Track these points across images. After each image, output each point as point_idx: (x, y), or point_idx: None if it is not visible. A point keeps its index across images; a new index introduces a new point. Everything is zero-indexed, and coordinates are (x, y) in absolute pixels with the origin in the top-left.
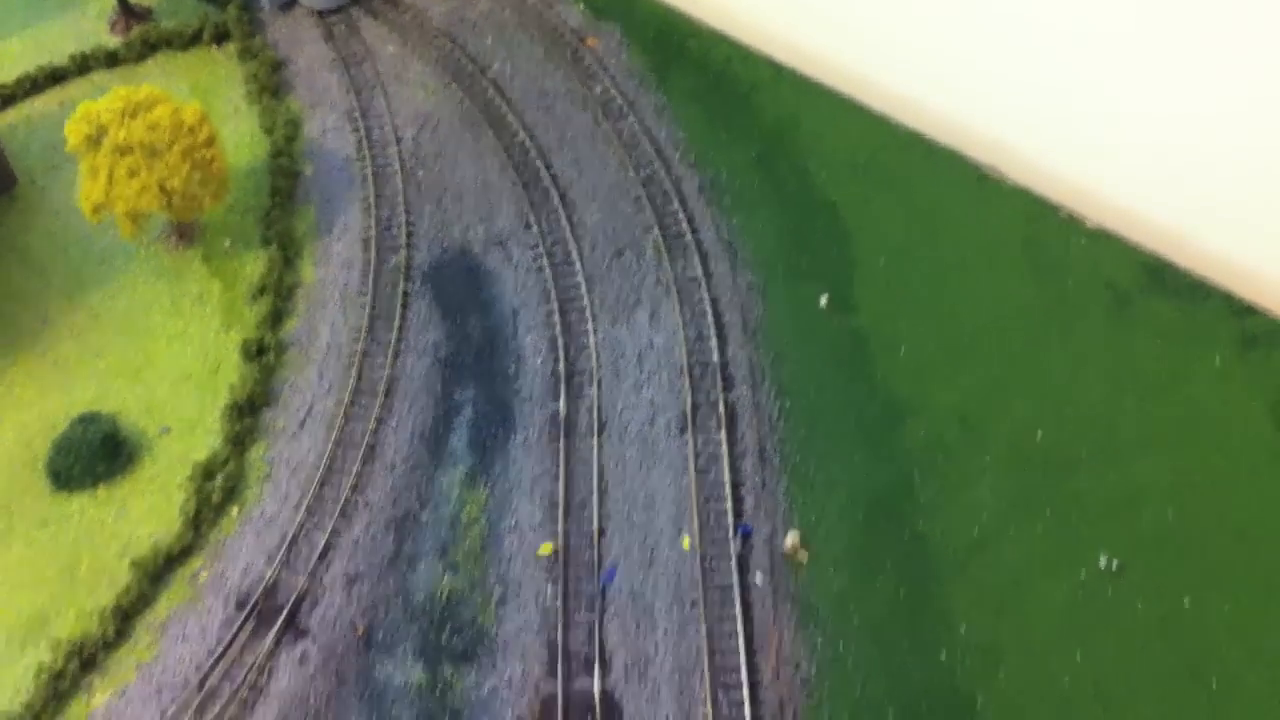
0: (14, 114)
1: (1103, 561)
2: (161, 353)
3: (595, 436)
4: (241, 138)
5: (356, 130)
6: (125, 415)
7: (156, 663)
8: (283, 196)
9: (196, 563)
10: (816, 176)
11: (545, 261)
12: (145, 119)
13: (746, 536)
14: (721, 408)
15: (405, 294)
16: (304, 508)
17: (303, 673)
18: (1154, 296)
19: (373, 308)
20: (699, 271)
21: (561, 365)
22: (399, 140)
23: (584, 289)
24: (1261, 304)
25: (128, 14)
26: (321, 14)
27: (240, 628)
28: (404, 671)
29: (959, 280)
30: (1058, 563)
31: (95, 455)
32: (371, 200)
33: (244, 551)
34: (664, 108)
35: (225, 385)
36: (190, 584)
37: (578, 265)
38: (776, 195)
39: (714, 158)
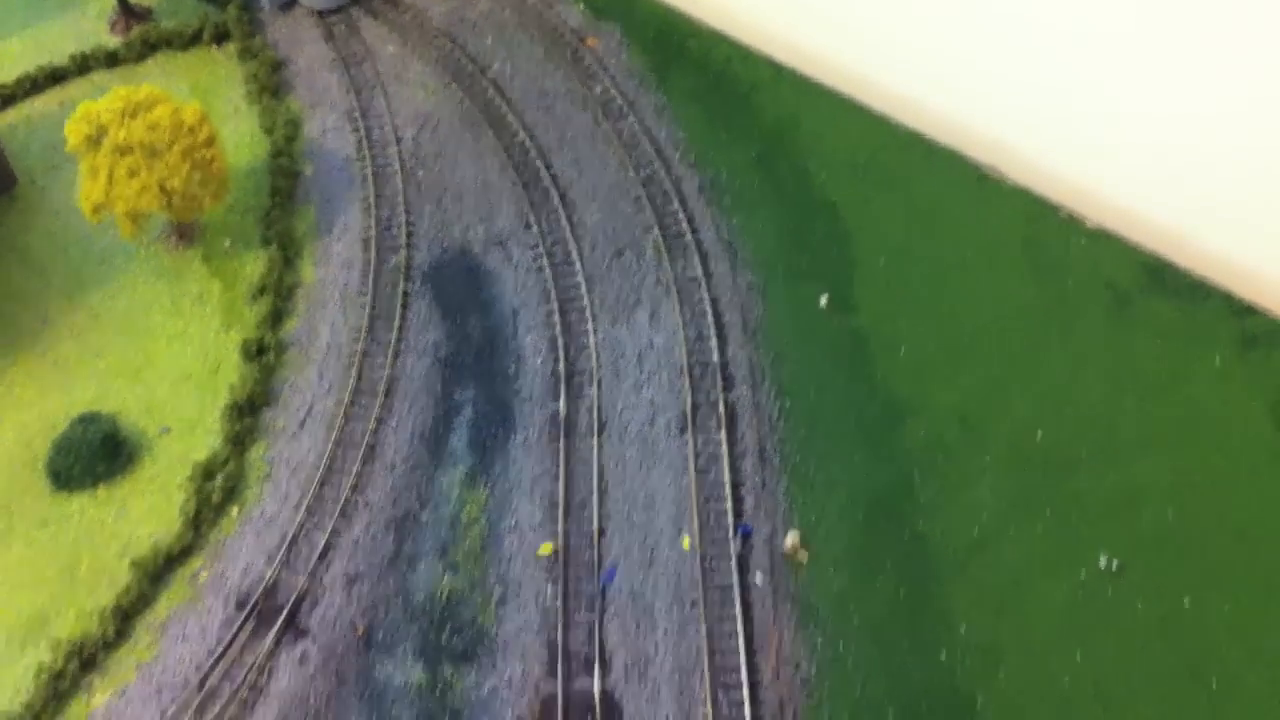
0: (14, 114)
1: (1103, 561)
2: (161, 353)
3: (595, 436)
4: (241, 138)
5: (356, 130)
6: (125, 415)
7: (156, 663)
8: (283, 196)
9: (196, 563)
10: (816, 176)
11: (545, 261)
12: (145, 119)
13: (746, 536)
14: (721, 408)
15: (405, 294)
16: (304, 508)
17: (303, 673)
18: (1154, 296)
19: (373, 308)
20: (699, 271)
21: (561, 365)
22: (399, 140)
23: (584, 289)
24: (1261, 304)
25: (128, 14)
26: (321, 14)
27: (240, 628)
28: (404, 671)
29: (959, 280)
30: (1058, 562)
31: (95, 455)
32: (371, 200)
33: (244, 551)
34: (664, 108)
35: (225, 385)
36: (190, 584)
37: (578, 265)
38: (776, 195)
39: (714, 158)
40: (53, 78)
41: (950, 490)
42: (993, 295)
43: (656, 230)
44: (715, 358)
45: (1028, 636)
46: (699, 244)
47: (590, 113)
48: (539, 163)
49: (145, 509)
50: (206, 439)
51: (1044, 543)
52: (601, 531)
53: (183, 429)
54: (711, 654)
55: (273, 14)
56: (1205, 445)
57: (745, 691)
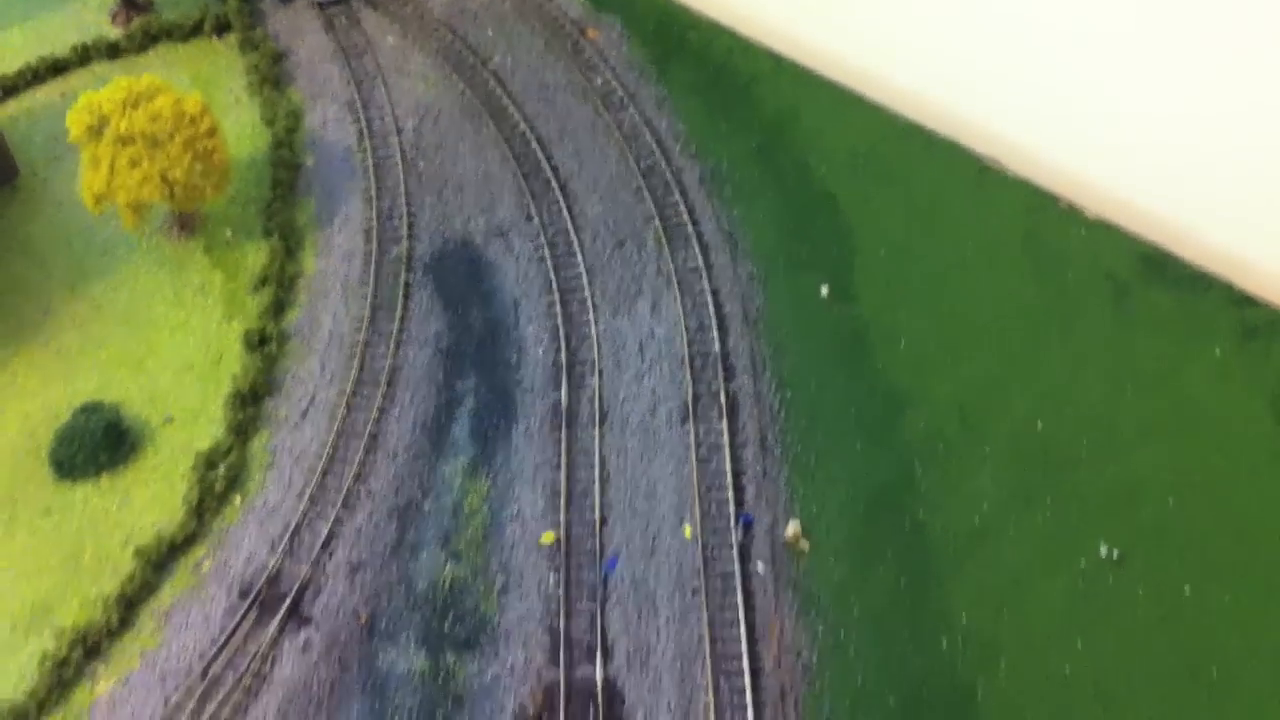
0: (15, 105)
1: (1103, 552)
2: (164, 343)
3: (597, 426)
4: (243, 129)
5: (357, 121)
6: (128, 405)
7: (160, 650)
8: (284, 188)
9: (200, 551)
10: (817, 168)
11: (546, 252)
12: (147, 109)
13: (748, 526)
14: (723, 398)
15: (407, 284)
16: (307, 496)
17: (306, 660)
18: (1154, 287)
19: (374, 298)
20: (700, 262)
21: (563, 355)
22: (400, 131)
23: (585, 280)
24: (1261, 295)
25: (129, 5)
26: (322, 6)
27: (244, 616)
28: (407, 659)
29: (959, 271)
30: (1058, 553)
31: (98, 444)
32: (373, 191)
33: (247, 540)
34: (664, 99)
35: (228, 375)
36: (194, 572)
37: (579, 256)
38: (777, 186)
39: (714, 149)
40: (54, 69)
41: (951, 481)
42: (993, 286)
43: (657, 221)
44: (716, 348)
45: (1028, 626)
46: (700, 235)
47: (591, 104)
48: (540, 154)
49: (148, 498)
50: (209, 428)
51: (1044, 533)
52: (603, 520)
53: (185, 418)
54: (713, 642)
55: (273, 5)
56: (1205, 436)
57: (747, 679)
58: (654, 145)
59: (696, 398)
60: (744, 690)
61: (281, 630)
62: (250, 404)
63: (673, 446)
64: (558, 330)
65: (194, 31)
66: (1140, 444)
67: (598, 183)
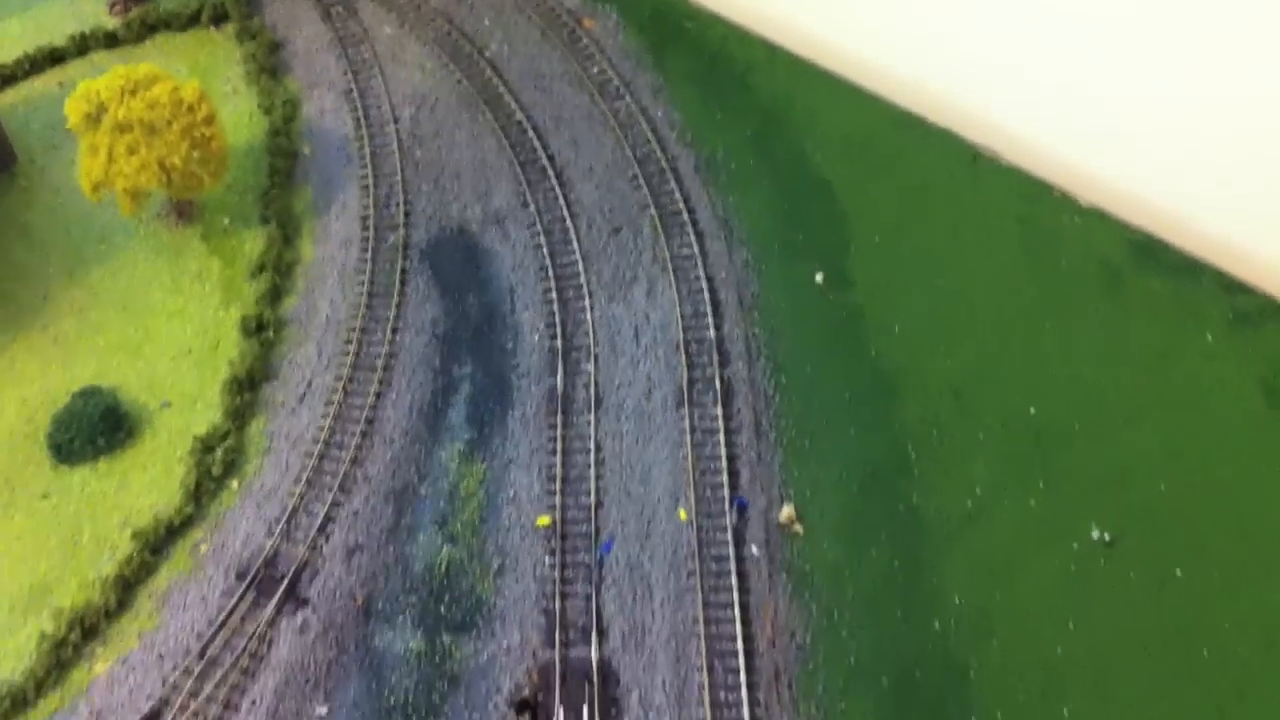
0: (13, 94)
1: (1095, 534)
2: (161, 329)
3: (592, 411)
4: (240, 118)
5: (354, 110)
6: (126, 390)
7: (158, 631)
8: (281, 176)
9: (197, 534)
10: (812, 156)
11: (542, 239)
12: (145, 97)
13: (742, 509)
14: (717, 383)
15: (403, 271)
16: (304, 480)
17: (303, 641)
18: (1147, 273)
19: (371, 285)
20: (695, 249)
21: (559, 341)
22: (396, 120)
23: (581, 266)
24: (1252, 282)
25: None
26: None
27: (241, 597)
28: (403, 640)
29: (953, 257)
30: (1050, 534)
31: (96, 429)
32: (370, 179)
33: (244, 523)
34: (660, 88)
35: (225, 361)
36: (191, 555)
37: (574, 243)
38: (772, 174)
39: (710, 137)
40: (52, 58)
41: (944, 464)
42: (987, 272)
43: (653, 208)
44: (711, 334)
45: (1020, 606)
46: (695, 222)
47: (587, 93)
48: (536, 142)
49: (146, 482)
50: (207, 413)
51: (1036, 516)
52: (598, 504)
53: (183, 404)
54: (708, 623)
55: None
56: (1197, 420)
57: (741, 659)
58: (649, 133)
59: (691, 383)
60: (738, 670)
61: (279, 611)
62: (247, 389)
63: (668, 431)
64: (553, 316)
65: (191, 21)
66: (1132, 427)
67: (593, 170)
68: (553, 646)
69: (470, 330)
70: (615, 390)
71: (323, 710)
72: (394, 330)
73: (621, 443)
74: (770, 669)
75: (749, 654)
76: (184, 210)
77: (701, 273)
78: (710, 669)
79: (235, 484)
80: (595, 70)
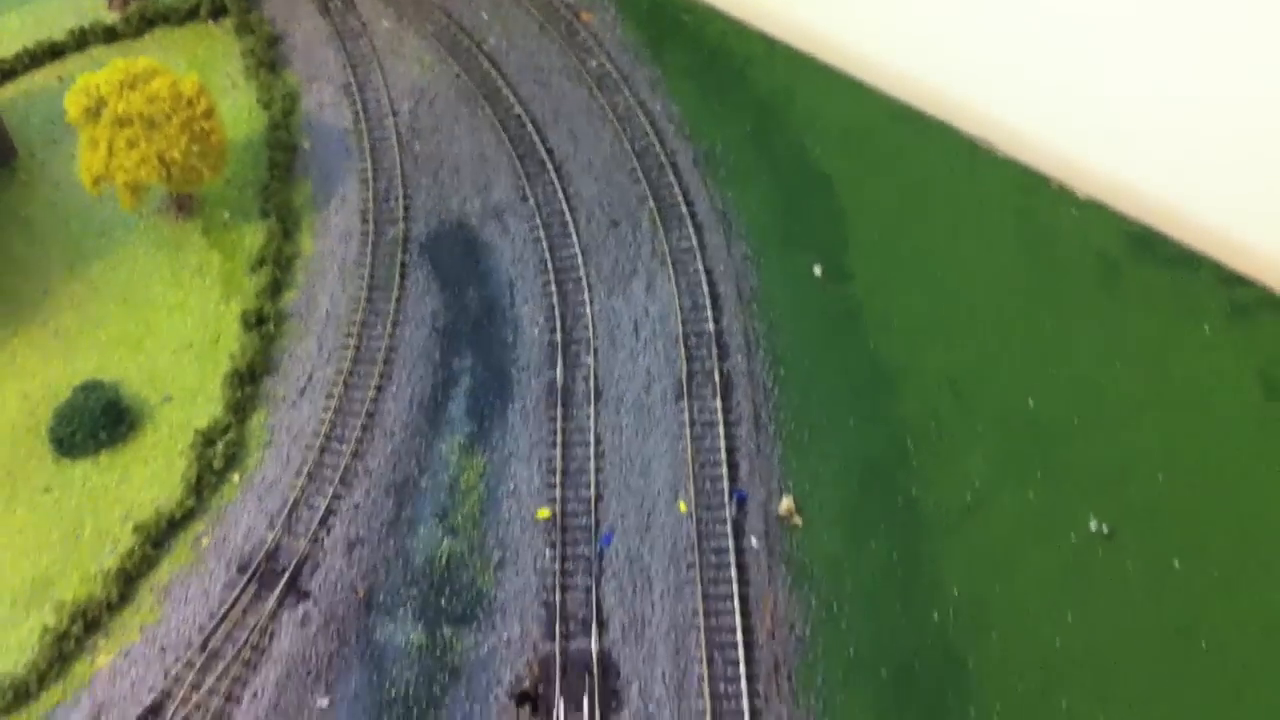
0: (13, 88)
1: (1093, 526)
2: (162, 323)
3: (592, 404)
4: (239, 112)
5: (353, 104)
6: (127, 384)
7: (160, 624)
8: (281, 169)
9: (199, 527)
10: (810, 149)
11: (542, 233)
12: (144, 91)
13: (742, 501)
14: (717, 376)
15: (403, 265)
16: (305, 474)
17: (305, 634)
18: (1144, 266)
19: (371, 278)
20: (694, 242)
21: (558, 334)
22: (395, 114)
23: (580, 260)
24: (1249, 274)
25: None
26: None
27: (242, 590)
28: (404, 632)
29: (952, 250)
30: (1048, 528)
31: (97, 423)
32: (369, 173)
33: (245, 516)
34: (658, 82)
35: (226, 354)
36: (193, 548)
37: (574, 236)
38: (770, 168)
39: (708, 131)
40: (51, 53)
41: (943, 456)
42: (985, 265)
43: (651, 202)
44: (710, 327)
45: (1019, 598)
46: (693, 215)
47: (585, 87)
48: (535, 136)
49: (147, 475)
50: (208, 407)
51: (1035, 508)
52: (598, 496)
53: (184, 397)
54: (707, 615)
55: None
56: (1195, 411)
57: (740, 651)
58: (648, 127)
59: (691, 376)
60: (737, 662)
61: (280, 604)
62: (248, 383)
63: (667, 424)
64: (553, 310)
65: (190, 16)
66: (1130, 420)
67: (592, 164)
68: (553, 639)
69: (470, 324)
70: (615, 383)
71: (324, 702)
72: (394, 324)
73: (621, 436)
74: (770, 661)
75: (748, 646)
76: (184, 204)
77: (700, 266)
78: (710, 661)
79: (236, 477)
80: (593, 64)
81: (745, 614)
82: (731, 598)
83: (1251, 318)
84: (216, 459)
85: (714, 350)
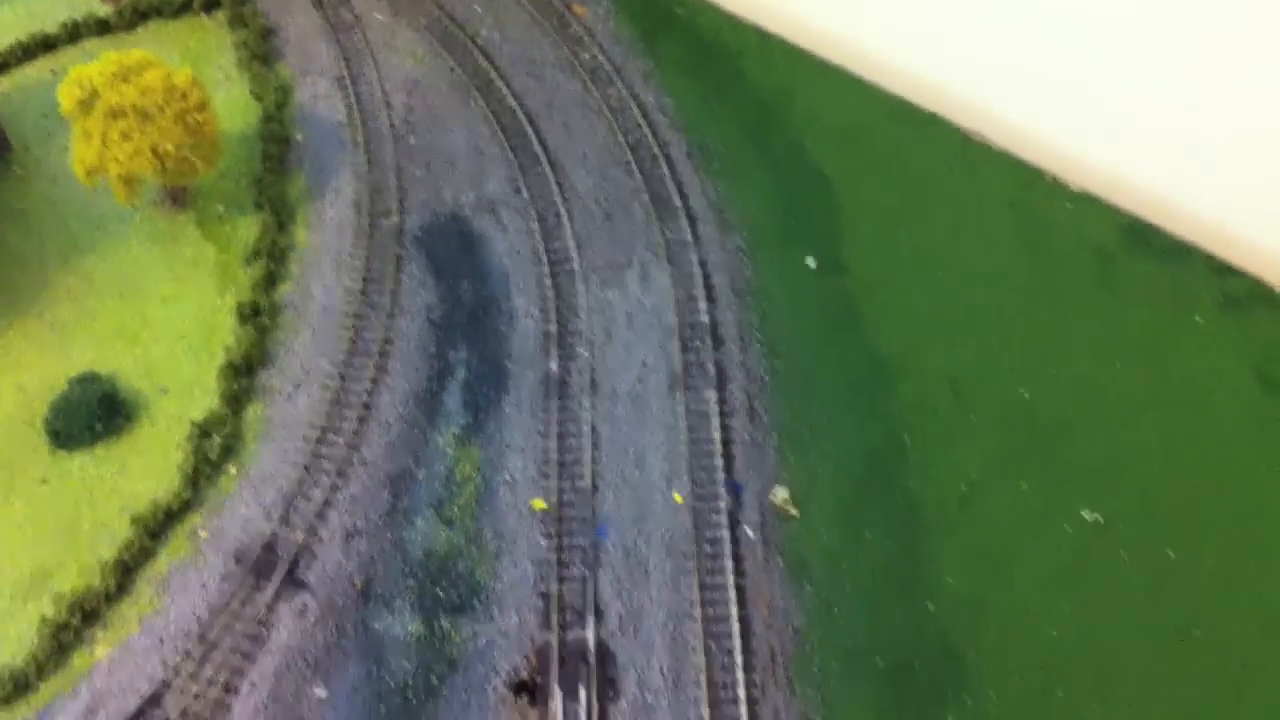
0: (6, 82)
1: (1088, 517)
2: (157, 315)
3: (587, 396)
4: (233, 104)
5: (347, 97)
6: (123, 376)
7: (158, 615)
8: (274, 162)
9: (196, 519)
10: (804, 142)
11: (536, 225)
12: (137, 83)
13: (738, 493)
14: (712, 367)
15: (398, 257)
16: (301, 465)
17: (302, 625)
18: (1139, 258)
19: (366, 271)
20: (688, 235)
21: (553, 326)
22: (389, 106)
23: (574, 252)
24: (1243, 265)
25: None
26: None
27: (240, 582)
28: (402, 624)
29: (947, 243)
30: (1044, 519)
31: (93, 415)
32: (363, 166)
33: (243, 508)
34: (652, 74)
35: (221, 347)
36: (190, 539)
37: (568, 229)
38: (764, 160)
39: (702, 123)
40: (44, 46)
41: (939, 449)
42: (980, 258)
43: (645, 195)
44: (705, 319)
45: (1014, 589)
46: (688, 208)
47: (579, 79)
48: (528, 128)
49: (144, 467)
50: (204, 399)
51: (1030, 500)
52: (594, 487)
53: (180, 389)
54: (704, 605)
55: None
56: (1189, 402)
57: (737, 642)
58: (641, 119)
59: (686, 367)
60: (734, 652)
61: (278, 596)
62: (244, 375)
63: (662, 415)
64: (547, 301)
65: (183, 8)
66: (1125, 411)
67: (586, 157)
68: (550, 629)
69: (465, 316)
70: (610, 375)
71: (322, 693)
72: (389, 316)
73: (616, 427)
74: (766, 652)
75: (745, 636)
76: (178, 197)
77: (695, 258)
78: (707, 651)
79: (233, 469)
80: (586, 56)
81: (742, 605)
82: (728, 588)
83: (1244, 309)
84: (213, 451)
85: (709, 342)
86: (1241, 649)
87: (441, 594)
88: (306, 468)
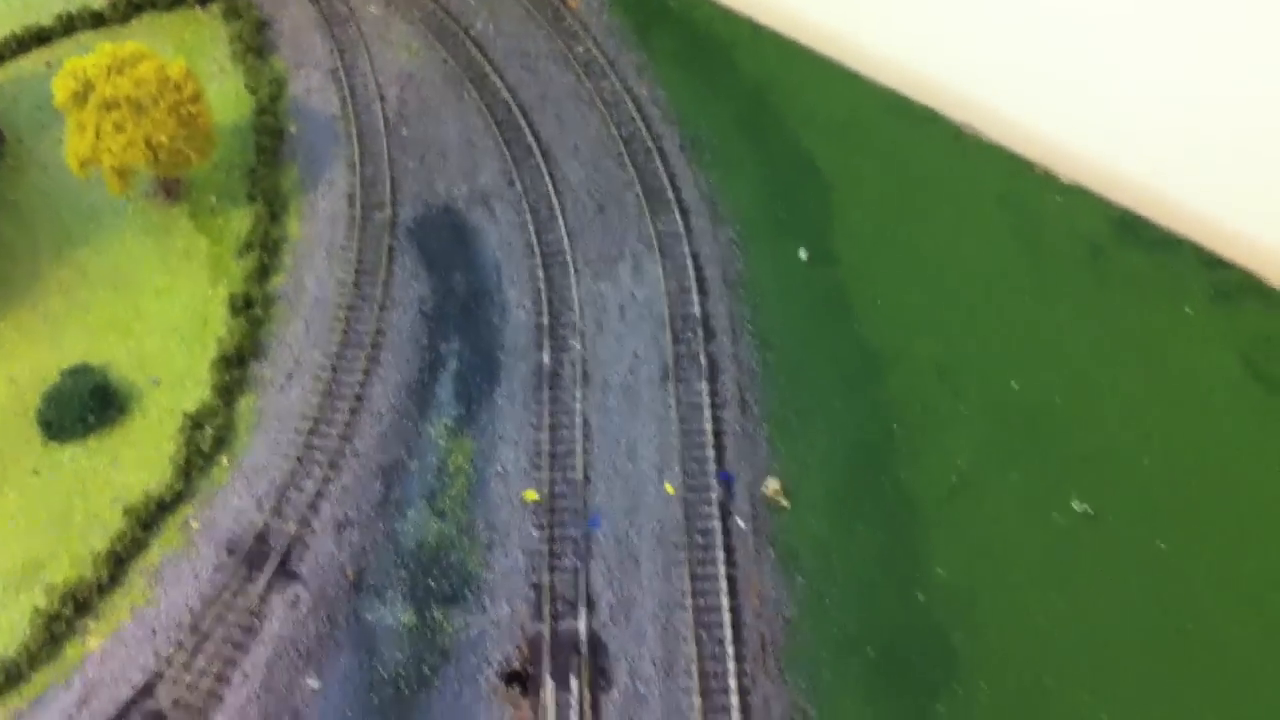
0: (1, 74)
1: (1077, 506)
2: (150, 307)
3: (579, 387)
4: (226, 96)
5: (341, 89)
6: (115, 368)
7: (150, 606)
8: (268, 154)
9: (188, 510)
10: (796, 134)
11: (528, 217)
12: (131, 75)
13: (729, 483)
14: (703, 358)
15: (390, 249)
16: (294, 457)
17: (295, 615)
18: (1129, 250)
19: (359, 262)
20: (680, 226)
21: (545, 318)
22: (383, 99)
23: (567, 244)
24: (1231, 257)
25: None
26: None
27: (233, 573)
28: (394, 614)
29: (937, 234)
30: (1033, 508)
31: (86, 406)
32: (356, 158)
33: (235, 499)
34: (645, 67)
35: (213, 338)
36: (182, 530)
37: (560, 221)
38: (756, 152)
39: (695, 116)
40: (39, 38)
41: (928, 439)
42: (970, 249)
43: (638, 186)
44: (696, 310)
45: (1003, 578)
46: (680, 200)
47: (572, 72)
48: (521, 121)
49: (137, 458)
50: (196, 390)
51: (1019, 490)
52: (586, 478)
53: (172, 381)
54: (695, 595)
55: None
56: (1178, 393)
57: (728, 631)
58: (635, 112)
59: (677, 358)
60: (725, 642)
61: (270, 586)
62: (236, 366)
63: (654, 406)
64: (540, 293)
65: (177, 1)
66: (1114, 402)
67: (579, 149)
68: (542, 619)
69: (458, 307)
70: (602, 366)
71: (314, 683)
72: (382, 307)
73: (608, 418)
74: (757, 641)
75: (736, 626)
76: (171, 189)
77: (686, 250)
78: (698, 640)
79: (225, 460)
80: (580, 49)
81: (733, 595)
82: (719, 578)
83: (1233, 301)
84: (205, 442)
85: (700, 333)
86: (1230, 637)
87: (433, 584)
88: (299, 459)
